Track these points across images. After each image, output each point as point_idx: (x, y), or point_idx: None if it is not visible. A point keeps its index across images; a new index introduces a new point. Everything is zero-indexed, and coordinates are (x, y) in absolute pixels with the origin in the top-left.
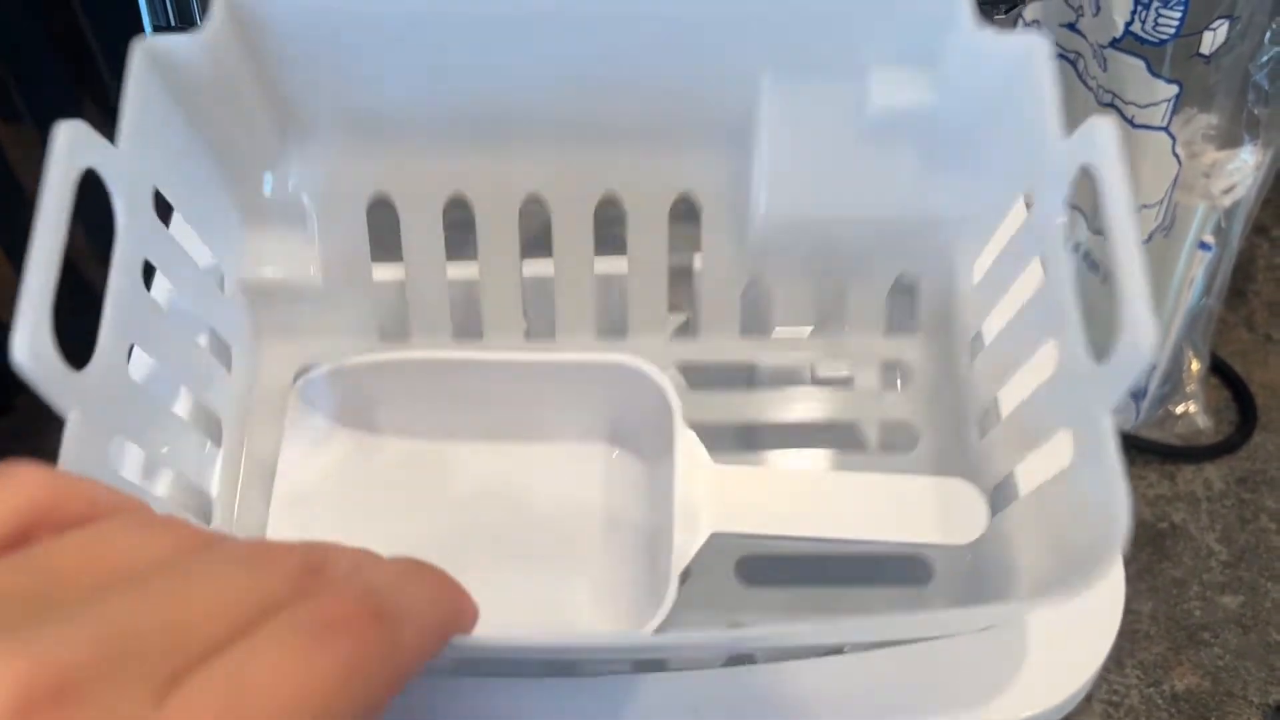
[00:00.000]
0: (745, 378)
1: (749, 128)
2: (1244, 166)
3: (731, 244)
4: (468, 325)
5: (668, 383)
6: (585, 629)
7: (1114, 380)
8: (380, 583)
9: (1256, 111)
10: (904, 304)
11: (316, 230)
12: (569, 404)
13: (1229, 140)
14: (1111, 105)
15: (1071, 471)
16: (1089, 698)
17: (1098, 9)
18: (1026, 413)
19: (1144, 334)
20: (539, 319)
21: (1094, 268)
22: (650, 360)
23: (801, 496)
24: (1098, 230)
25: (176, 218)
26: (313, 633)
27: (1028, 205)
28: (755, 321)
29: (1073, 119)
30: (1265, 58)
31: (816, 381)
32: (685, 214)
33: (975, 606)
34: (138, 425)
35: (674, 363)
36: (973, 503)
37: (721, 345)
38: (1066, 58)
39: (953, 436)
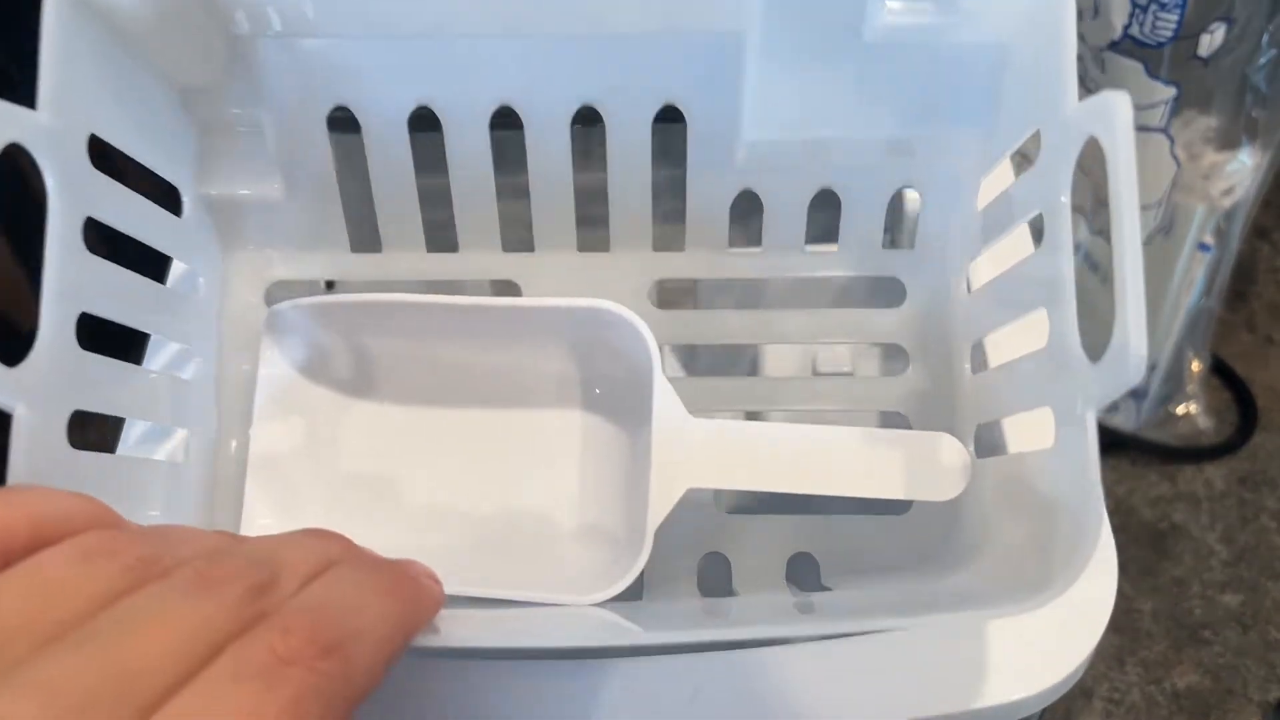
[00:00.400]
0: (736, 300)
1: (740, 33)
2: (1243, 168)
3: (720, 157)
4: (444, 240)
5: (647, 331)
6: (565, 583)
7: (1102, 381)
8: (332, 599)
9: (1255, 114)
10: (901, 222)
11: (275, 144)
12: (547, 350)
13: (1228, 142)
14: None
15: (1052, 456)
16: (1090, 695)
17: (1096, 11)
18: (1017, 369)
19: (1134, 344)
20: (514, 234)
21: (1094, 268)
22: (634, 274)
23: (781, 451)
24: (1098, 231)
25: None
26: (263, 674)
27: (1024, 159)
28: (745, 236)
29: None
30: (1263, 60)
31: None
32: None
33: (941, 613)
34: (99, 394)
35: (657, 279)
36: (956, 457)
37: (709, 261)
38: None
39: (944, 366)
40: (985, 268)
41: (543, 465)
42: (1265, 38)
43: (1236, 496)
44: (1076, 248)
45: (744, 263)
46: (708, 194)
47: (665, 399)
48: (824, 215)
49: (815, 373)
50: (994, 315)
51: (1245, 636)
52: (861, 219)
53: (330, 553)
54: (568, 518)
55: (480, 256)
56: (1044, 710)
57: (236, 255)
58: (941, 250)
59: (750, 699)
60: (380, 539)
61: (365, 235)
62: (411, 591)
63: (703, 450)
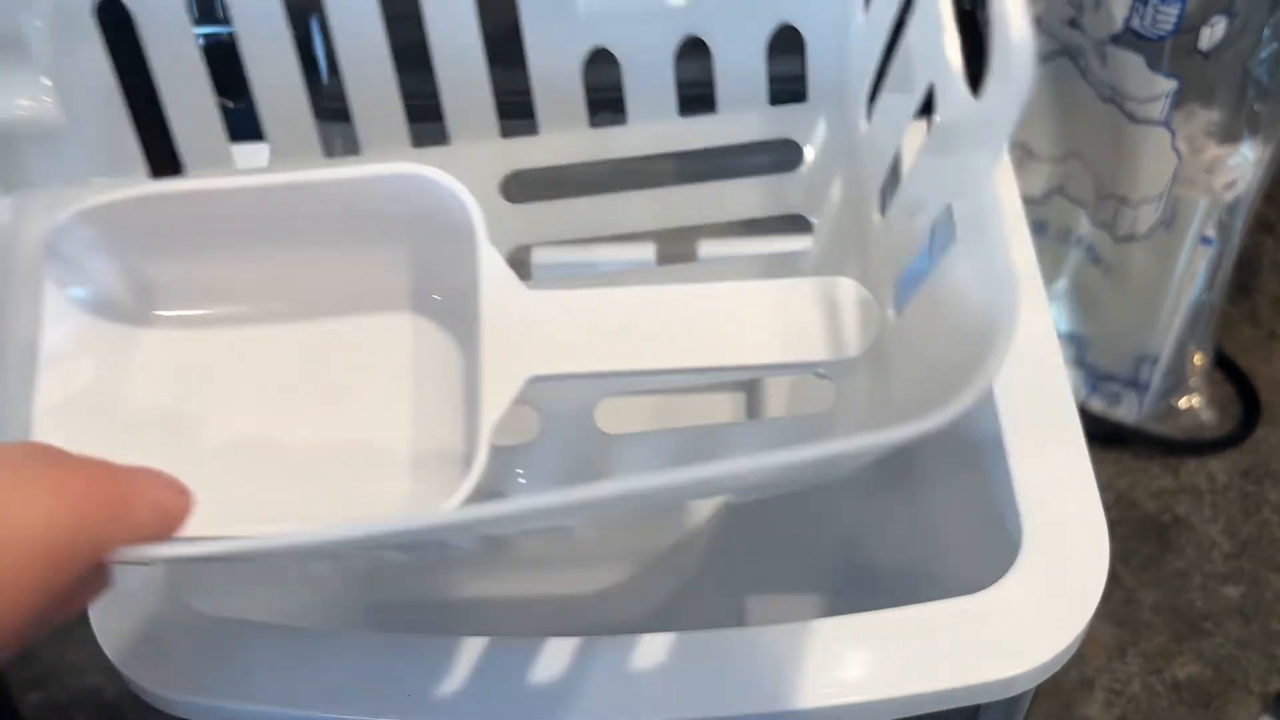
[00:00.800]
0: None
1: None
2: (1245, 162)
3: (557, 6)
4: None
5: (465, 193)
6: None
7: (993, 118)
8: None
9: (1257, 107)
10: (787, 69)
11: (40, 51)
12: (367, 246)
13: (1230, 135)
14: (1111, 100)
15: (958, 249)
16: (1091, 685)
17: (1097, 4)
18: (915, 183)
19: (1018, 55)
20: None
21: (1096, 261)
22: (479, 168)
23: (646, 320)
24: (1100, 223)
25: None
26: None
27: None
28: (606, 104)
29: (1073, 114)
30: (1264, 54)
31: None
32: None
33: (864, 434)
34: None
35: (509, 170)
36: (862, 304)
37: (567, 143)
38: (1067, 53)
39: (851, 222)
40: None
41: (371, 385)
42: (1266, 31)
43: (1239, 489)
44: (1078, 241)
45: (610, 141)
46: (551, 56)
47: (494, 269)
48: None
49: (699, 260)
50: (893, 146)
51: (1247, 628)
52: (738, 71)
53: (25, 452)
54: (400, 443)
55: (295, 165)
56: (1043, 699)
57: (16, 196)
58: (839, 97)
59: (731, 680)
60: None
61: (164, 158)
62: (111, 496)
63: (545, 328)
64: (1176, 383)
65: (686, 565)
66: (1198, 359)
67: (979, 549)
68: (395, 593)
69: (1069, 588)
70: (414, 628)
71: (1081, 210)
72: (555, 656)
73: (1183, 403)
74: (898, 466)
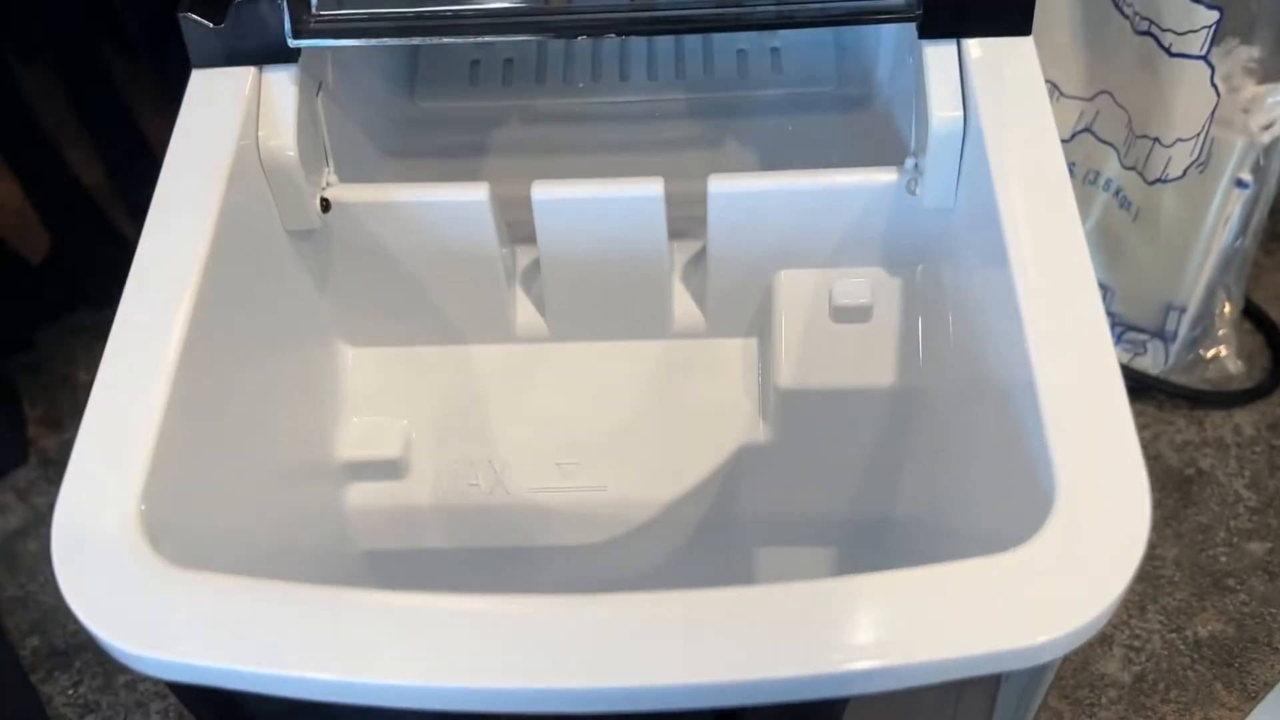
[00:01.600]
0: None
1: None
2: None
3: None
4: None
5: None
6: None
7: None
8: None
9: None
10: None
11: None
12: None
13: (1270, 74)
14: (1147, 33)
15: None
16: (1109, 642)
17: None
18: None
19: None
20: None
21: (1125, 205)
22: None
23: None
24: (1130, 166)
25: None
26: None
27: None
28: None
29: (1105, 49)
30: None
31: None
32: None
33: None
34: None
35: None
36: None
37: None
38: None
39: None
40: None
41: None
42: None
43: (1266, 443)
44: (1106, 184)
45: None
46: None
47: None
48: None
49: None
50: None
51: (1271, 585)
52: None
53: None
54: None
55: None
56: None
57: None
58: None
59: (762, 637)
60: None
61: None
62: None
63: None
64: (1204, 332)
65: (695, 518)
66: (1227, 308)
67: (1005, 501)
68: (390, 540)
69: (1106, 548)
70: (411, 577)
71: (1111, 151)
72: (553, 616)
73: (1210, 353)
74: (915, 409)
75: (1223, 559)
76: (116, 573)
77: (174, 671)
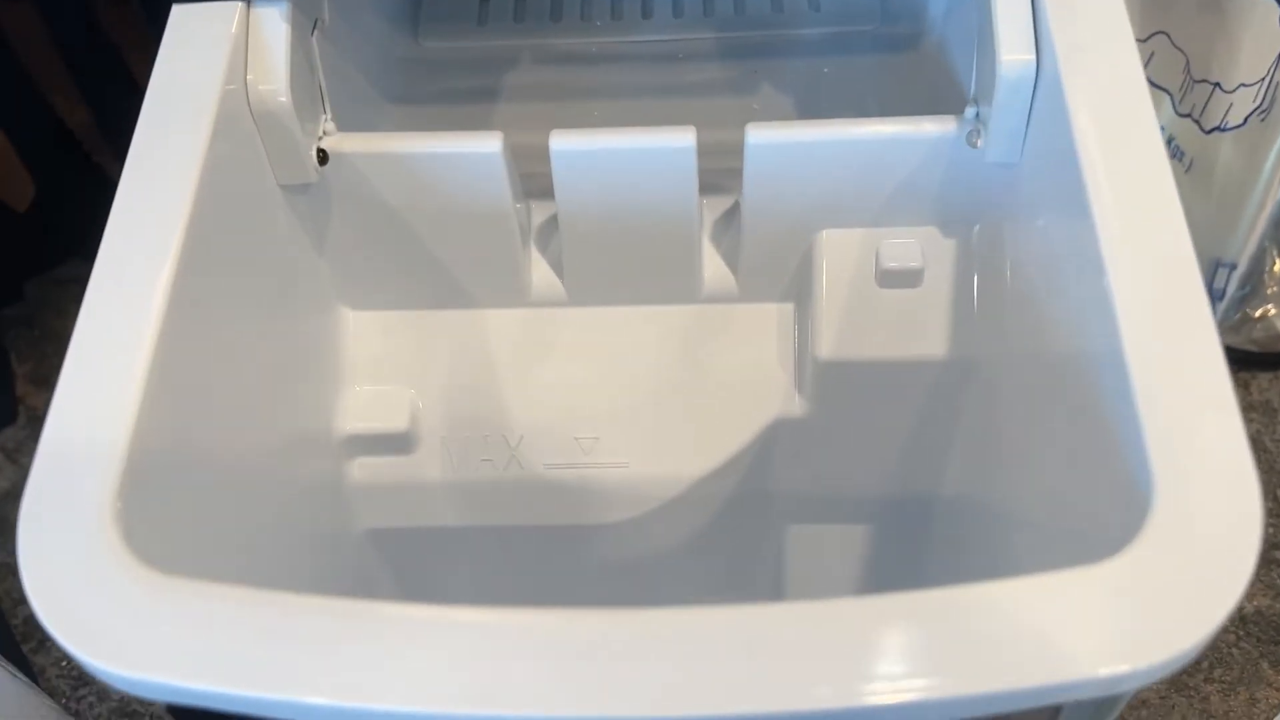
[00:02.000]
0: None
1: None
2: None
3: None
4: None
5: None
6: None
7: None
8: None
9: None
10: None
11: None
12: None
13: None
14: None
15: None
16: None
17: None
18: None
19: None
20: None
21: (1177, 154)
22: None
23: None
24: (1185, 114)
25: None
26: None
27: None
28: None
29: None
30: None
31: None
32: None
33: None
34: None
35: None
36: None
37: None
38: None
39: None
40: None
41: None
42: None
43: None
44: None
45: None
46: None
47: None
48: None
49: None
50: None
51: None
52: None
53: None
54: None
55: None
56: None
57: None
58: None
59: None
60: None
61: None
62: None
63: None
64: (1253, 291)
65: (722, 499)
66: (1277, 266)
67: (1078, 489)
68: (396, 519)
69: (1211, 563)
70: (418, 560)
71: (1165, 97)
72: (590, 631)
73: (1258, 312)
74: (968, 382)
75: (1270, 530)
76: (91, 582)
77: (152, 691)
